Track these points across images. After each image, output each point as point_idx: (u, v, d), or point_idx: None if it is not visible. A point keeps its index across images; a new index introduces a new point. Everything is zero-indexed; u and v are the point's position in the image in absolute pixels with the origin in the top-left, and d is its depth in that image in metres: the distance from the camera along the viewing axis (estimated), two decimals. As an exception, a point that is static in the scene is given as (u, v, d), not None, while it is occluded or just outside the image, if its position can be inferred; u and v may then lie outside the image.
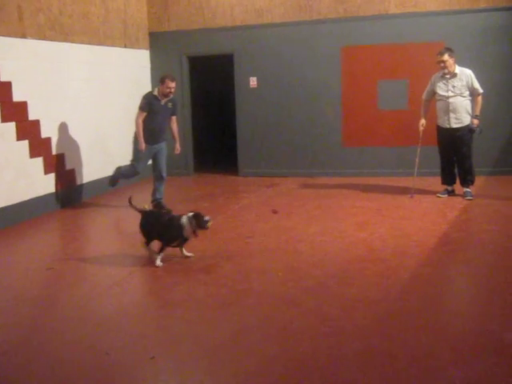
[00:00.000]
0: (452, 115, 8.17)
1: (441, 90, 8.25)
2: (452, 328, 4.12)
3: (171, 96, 8.13)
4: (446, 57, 8.03)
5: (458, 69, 8.14)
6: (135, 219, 6.18)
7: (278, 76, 10.66)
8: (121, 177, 8.74)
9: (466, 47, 9.67)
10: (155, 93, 8.10)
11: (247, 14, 10.65)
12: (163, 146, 8.40)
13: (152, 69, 11.24)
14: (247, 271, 5.57)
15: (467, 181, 8.34)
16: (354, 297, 4.78)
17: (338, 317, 4.38)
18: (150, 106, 8.02)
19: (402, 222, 7.14)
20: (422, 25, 9.92)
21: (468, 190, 8.31)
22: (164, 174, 8.44)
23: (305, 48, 10.48)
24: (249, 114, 10.90)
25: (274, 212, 7.79)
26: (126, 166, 8.69)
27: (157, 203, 8.36)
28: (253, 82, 10.77)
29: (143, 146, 8.05)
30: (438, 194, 8.48)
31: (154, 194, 8.45)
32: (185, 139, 11.31)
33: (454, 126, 8.18)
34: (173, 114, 8.34)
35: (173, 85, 8.03)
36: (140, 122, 8.01)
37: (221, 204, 8.65)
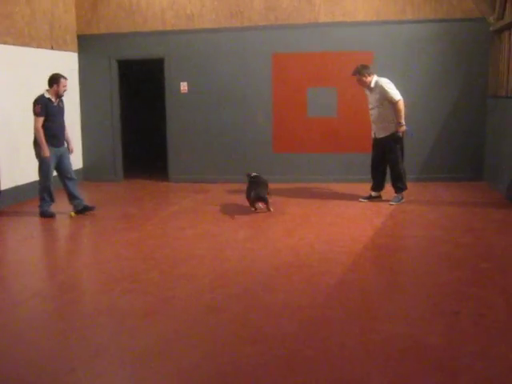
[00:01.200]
0: (374, 126, 8.52)
1: (368, 102, 8.60)
2: (376, 333, 4.17)
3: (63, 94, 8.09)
4: (356, 77, 8.45)
5: (373, 82, 8.36)
6: (58, 226, 6.01)
7: (209, 81, 10.62)
8: (46, 204, 8.20)
9: (394, 57, 9.96)
10: (47, 95, 7.93)
11: (178, 19, 10.58)
12: (65, 147, 8.24)
13: (80, 72, 10.98)
14: (173, 278, 5.49)
15: (396, 187, 8.55)
16: (280, 303, 4.79)
17: (263, 323, 4.37)
18: (47, 110, 7.85)
19: (330, 228, 7.23)
20: (351, 34, 10.11)
21: (396, 195, 8.53)
22: (74, 177, 8.28)
23: (236, 54, 10.49)
24: (179, 119, 10.81)
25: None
26: (41, 193, 8.17)
27: (84, 207, 8.18)
28: (183, 87, 10.69)
29: (48, 152, 7.82)
30: (360, 199, 8.71)
31: (72, 199, 8.19)
32: (114, 144, 11.14)
33: (378, 136, 8.48)
34: (63, 113, 8.21)
35: (67, 83, 8.07)
36: (40, 127, 7.79)
37: (149, 210, 8.53)
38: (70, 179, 8.18)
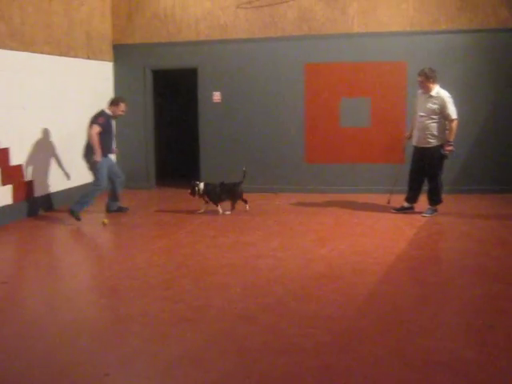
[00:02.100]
0: (418, 134, 8.26)
1: (417, 107, 8.35)
2: (410, 345, 4.14)
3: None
4: (420, 78, 8.15)
5: (435, 90, 8.12)
6: (93, 232, 6.09)
7: (241, 91, 10.69)
8: (79, 206, 8.44)
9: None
10: (107, 112, 8.65)
11: (212, 29, 10.68)
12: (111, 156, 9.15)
13: (115, 81, 11.16)
14: (206, 287, 5.52)
15: (431, 199, 8.41)
16: (312, 314, 4.78)
17: (295, 334, 4.36)
18: (106, 124, 8.52)
19: (362, 239, 7.19)
20: (385, 44, 10.09)
21: (430, 207, 8.41)
22: (122, 175, 9.10)
23: (269, 64, 10.55)
24: (212, 129, 10.89)
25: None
26: (86, 195, 8.47)
27: (120, 208, 8.91)
28: (216, 96, 10.77)
29: (100, 157, 8.31)
30: (392, 210, 8.64)
31: (114, 199, 8.95)
32: (147, 152, 11.27)
33: (420, 144, 8.27)
34: None
35: (126, 108, 8.87)
36: (96, 135, 8.28)
37: (181, 218, 8.58)
38: (119, 177, 8.96)
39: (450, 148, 8.04)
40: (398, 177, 8.76)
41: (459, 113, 9.80)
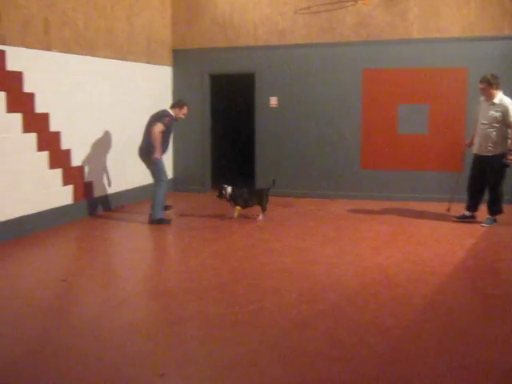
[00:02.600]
0: (480, 142, 8.06)
1: (480, 114, 8.16)
2: (466, 358, 4.05)
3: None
4: (483, 85, 7.97)
5: (498, 97, 7.93)
6: (148, 234, 6.18)
7: (298, 96, 10.69)
8: (161, 212, 8.60)
9: (489, 74, 9.65)
10: (172, 114, 8.68)
11: (270, 35, 10.72)
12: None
13: (173, 85, 11.33)
14: (260, 291, 5.54)
15: (491, 209, 8.22)
16: (367, 322, 4.73)
17: (350, 341, 4.33)
18: (170, 126, 8.61)
19: (419, 248, 7.08)
20: (445, 50, 9.90)
21: (489, 217, 8.21)
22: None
23: (326, 69, 10.51)
24: (268, 133, 10.93)
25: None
26: (156, 196, 8.54)
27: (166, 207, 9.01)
28: (273, 101, 10.81)
29: (160, 155, 8.46)
30: (453, 218, 8.45)
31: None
32: (203, 156, 11.39)
33: (482, 153, 8.07)
34: None
35: (187, 112, 9.01)
36: (160, 133, 8.38)
37: (235, 222, 8.63)
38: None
39: (511, 157, 7.83)
40: (457, 185, 8.59)
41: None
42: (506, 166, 7.91)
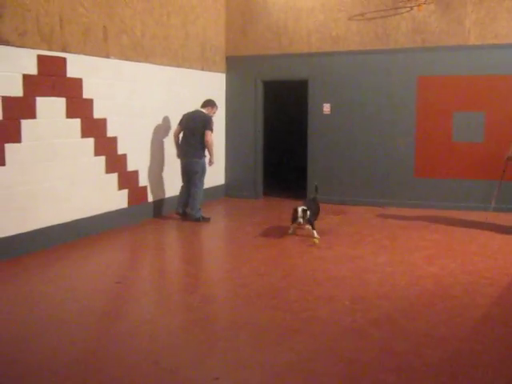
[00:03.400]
0: None
1: None
2: (525, 372, 3.96)
3: None
4: None
5: None
6: (200, 239, 6.24)
7: (351, 103, 10.64)
8: (200, 210, 9.06)
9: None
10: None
11: (323, 41, 10.72)
12: None
13: (227, 92, 11.43)
14: (313, 298, 5.52)
15: None
16: (422, 332, 4.67)
17: (405, 352, 4.28)
18: None
19: (474, 258, 6.94)
20: (502, 57, 9.71)
21: None
22: None
23: (380, 76, 10.43)
24: (321, 140, 10.90)
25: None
26: (197, 196, 9.04)
27: (185, 212, 9.20)
28: (326, 108, 10.78)
29: (215, 159, 9.12)
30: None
31: (186, 204, 9.18)
32: (255, 162, 11.44)
33: None
34: None
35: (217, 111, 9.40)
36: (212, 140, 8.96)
37: (286, 229, 8.61)
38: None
39: None
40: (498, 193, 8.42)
41: None
42: None
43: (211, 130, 8.92)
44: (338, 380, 3.86)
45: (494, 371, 3.97)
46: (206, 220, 8.99)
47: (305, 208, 7.78)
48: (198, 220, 8.91)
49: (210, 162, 9.04)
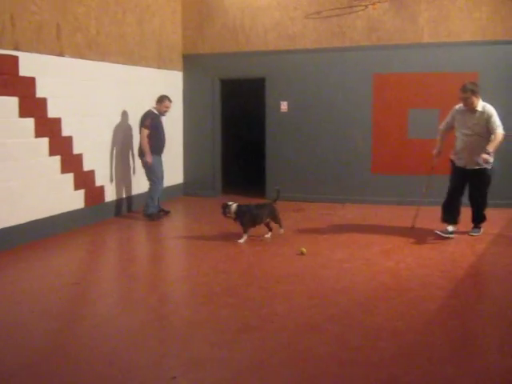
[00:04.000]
0: (466, 155, 7.55)
1: (459, 125, 7.65)
2: (477, 363, 4.04)
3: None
4: (468, 94, 7.35)
5: (481, 105, 7.42)
6: (158, 237, 6.20)
7: (308, 101, 10.70)
8: (152, 208, 9.12)
9: (499, 78, 9.66)
10: (155, 111, 9.11)
11: (280, 39, 10.75)
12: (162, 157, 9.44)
13: (184, 90, 11.38)
14: (271, 295, 5.54)
15: (478, 219, 7.90)
16: (378, 326, 4.73)
17: (361, 346, 4.33)
18: (155, 123, 9.03)
19: (430, 252, 7.06)
20: (456, 55, 9.89)
21: (476, 227, 7.94)
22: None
23: (336, 74, 10.52)
24: (279, 138, 10.94)
25: None
26: (149, 193, 9.17)
27: (164, 212, 9.35)
28: (283, 106, 10.83)
29: (151, 158, 8.95)
30: (439, 232, 7.79)
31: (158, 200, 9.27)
32: (214, 161, 11.42)
33: (469, 166, 7.55)
34: None
35: (170, 105, 9.27)
36: (146, 138, 8.94)
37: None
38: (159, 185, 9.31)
39: (485, 156, 7.18)
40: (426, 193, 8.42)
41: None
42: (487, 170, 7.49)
43: (145, 126, 8.93)
44: (295, 377, 3.88)
45: (447, 362, 4.05)
46: (161, 216, 9.13)
47: (229, 203, 7.75)
48: (148, 217, 9.00)
49: (144, 161, 9.05)
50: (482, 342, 4.45)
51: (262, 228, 7.85)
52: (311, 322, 4.83)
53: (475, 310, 5.28)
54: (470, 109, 7.45)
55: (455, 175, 7.78)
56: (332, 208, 10.09)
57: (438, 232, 7.72)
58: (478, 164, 7.42)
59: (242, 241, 7.61)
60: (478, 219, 7.92)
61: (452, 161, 7.81)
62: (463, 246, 7.32)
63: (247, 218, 7.66)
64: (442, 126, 8.04)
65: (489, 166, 7.40)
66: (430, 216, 8.35)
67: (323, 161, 10.72)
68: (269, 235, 7.87)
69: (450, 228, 7.75)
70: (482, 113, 7.39)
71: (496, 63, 9.71)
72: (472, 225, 7.97)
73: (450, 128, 7.86)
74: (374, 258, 6.85)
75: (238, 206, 7.71)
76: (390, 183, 10.36)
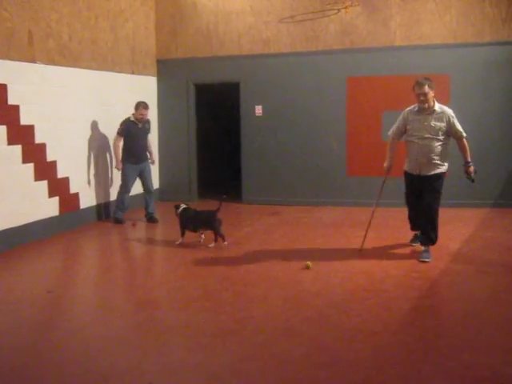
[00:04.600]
0: (420, 160, 6.73)
1: (414, 128, 6.80)
2: (451, 361, 4.08)
3: (145, 120, 9.24)
4: (426, 88, 6.55)
5: (437, 105, 6.70)
6: (131, 244, 6.17)
7: (283, 105, 10.75)
8: (119, 212, 9.31)
9: (470, 80, 9.81)
10: (132, 118, 9.13)
11: (254, 44, 10.79)
12: (146, 164, 9.42)
13: (159, 95, 11.35)
14: (247, 299, 5.55)
15: (428, 237, 6.86)
16: (354, 327, 4.76)
17: (337, 347, 4.36)
18: (129, 131, 9.04)
19: (405, 253, 7.13)
20: (427, 57, 10.01)
21: (426, 248, 6.88)
22: (152, 189, 9.50)
23: (310, 78, 10.58)
24: (254, 142, 10.97)
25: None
26: (117, 202, 9.34)
27: (150, 217, 9.39)
28: (258, 110, 10.86)
29: (119, 165, 9.14)
30: (412, 243, 7.47)
31: (146, 208, 9.45)
32: (189, 166, 11.41)
33: (424, 173, 6.76)
34: (147, 133, 9.41)
35: (146, 111, 9.17)
36: (117, 144, 9.12)
37: (224, 231, 8.61)
38: (149, 192, 9.44)
39: (471, 169, 6.69)
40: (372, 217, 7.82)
41: (501, 125, 9.64)
42: (472, 181, 6.80)
43: (117, 132, 9.09)
44: (271, 379, 3.90)
45: (423, 362, 4.09)
46: (120, 222, 9.23)
47: (186, 206, 7.93)
48: (115, 220, 9.25)
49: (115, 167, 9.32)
50: (455, 340, 4.49)
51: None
52: (287, 325, 4.84)
53: (449, 309, 5.34)
54: (428, 108, 6.64)
55: (410, 185, 7.07)
56: (308, 211, 10.14)
57: (424, 259, 6.72)
58: (433, 170, 6.68)
59: (177, 242, 7.80)
60: (428, 237, 6.88)
61: (405, 172, 7.09)
62: (439, 247, 7.36)
63: (184, 221, 7.81)
64: (390, 133, 7.17)
65: (473, 177, 6.76)
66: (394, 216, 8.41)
67: (299, 164, 10.77)
68: (212, 244, 7.64)
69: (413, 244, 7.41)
70: (441, 113, 6.64)
71: (467, 65, 9.85)
72: (418, 245, 7.19)
73: (401, 134, 7.02)
74: (350, 259, 6.88)
75: (184, 209, 7.88)
76: (366, 185, 10.42)
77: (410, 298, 5.49)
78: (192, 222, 7.78)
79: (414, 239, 7.46)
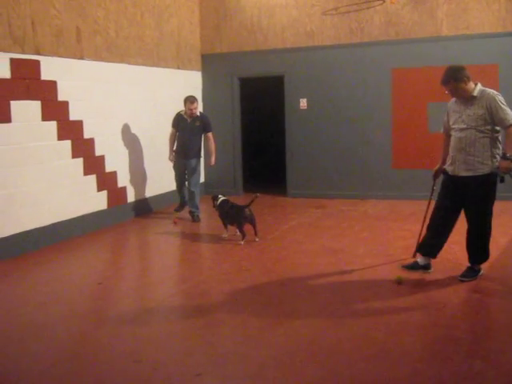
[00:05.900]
0: (458, 156, 5.55)
1: (453, 120, 5.71)
2: (505, 355, 4.02)
3: (196, 115, 8.97)
4: (452, 85, 5.56)
5: (477, 90, 5.51)
6: (178, 238, 6.22)
7: (327, 97, 10.69)
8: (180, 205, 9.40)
9: (521, 70, 9.57)
10: (182, 113, 9.03)
11: (298, 37, 10.76)
12: (192, 162, 9.05)
13: (203, 90, 11.43)
14: (294, 292, 5.57)
15: (478, 256, 5.74)
16: (402, 321, 4.73)
17: (385, 340, 4.33)
18: (177, 124, 9.02)
19: (453, 247, 7.01)
20: (475, 47, 9.81)
21: (471, 266, 5.78)
22: (192, 189, 9.09)
23: (355, 70, 10.50)
24: (298, 135, 10.95)
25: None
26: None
27: (191, 215, 9.14)
28: (303, 103, 10.84)
29: (170, 157, 9.11)
30: (403, 266, 6.14)
31: (188, 205, 9.27)
32: (234, 159, 11.46)
33: (459, 173, 5.57)
34: (205, 131, 9.11)
35: (193, 106, 8.90)
36: (170, 135, 9.14)
37: (268, 224, 8.65)
38: (189, 192, 9.15)
39: (504, 164, 5.33)
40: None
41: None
42: (502, 180, 5.43)
43: (172, 126, 9.12)
44: (320, 372, 3.90)
45: (471, 355, 4.04)
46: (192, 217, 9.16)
47: (225, 198, 7.83)
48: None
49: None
50: (506, 337, 4.41)
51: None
52: (335, 318, 4.84)
53: (497, 304, 5.25)
54: (465, 97, 5.56)
55: (445, 186, 5.81)
56: (353, 204, 10.08)
57: (463, 279, 5.70)
58: (473, 171, 5.47)
59: (223, 236, 7.75)
60: (476, 255, 5.78)
61: (443, 170, 5.88)
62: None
63: (223, 214, 7.76)
64: (442, 131, 6.04)
65: (502, 174, 5.42)
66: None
67: (343, 157, 10.71)
68: (241, 242, 7.45)
69: (420, 260, 6.06)
70: (481, 100, 5.45)
71: (516, 54, 9.62)
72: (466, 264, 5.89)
73: (449, 128, 5.81)
74: (396, 253, 6.79)
75: (223, 201, 7.77)
76: (412, 178, 10.30)
77: (459, 291, 5.42)
78: (226, 215, 7.73)
79: (409, 264, 6.14)
